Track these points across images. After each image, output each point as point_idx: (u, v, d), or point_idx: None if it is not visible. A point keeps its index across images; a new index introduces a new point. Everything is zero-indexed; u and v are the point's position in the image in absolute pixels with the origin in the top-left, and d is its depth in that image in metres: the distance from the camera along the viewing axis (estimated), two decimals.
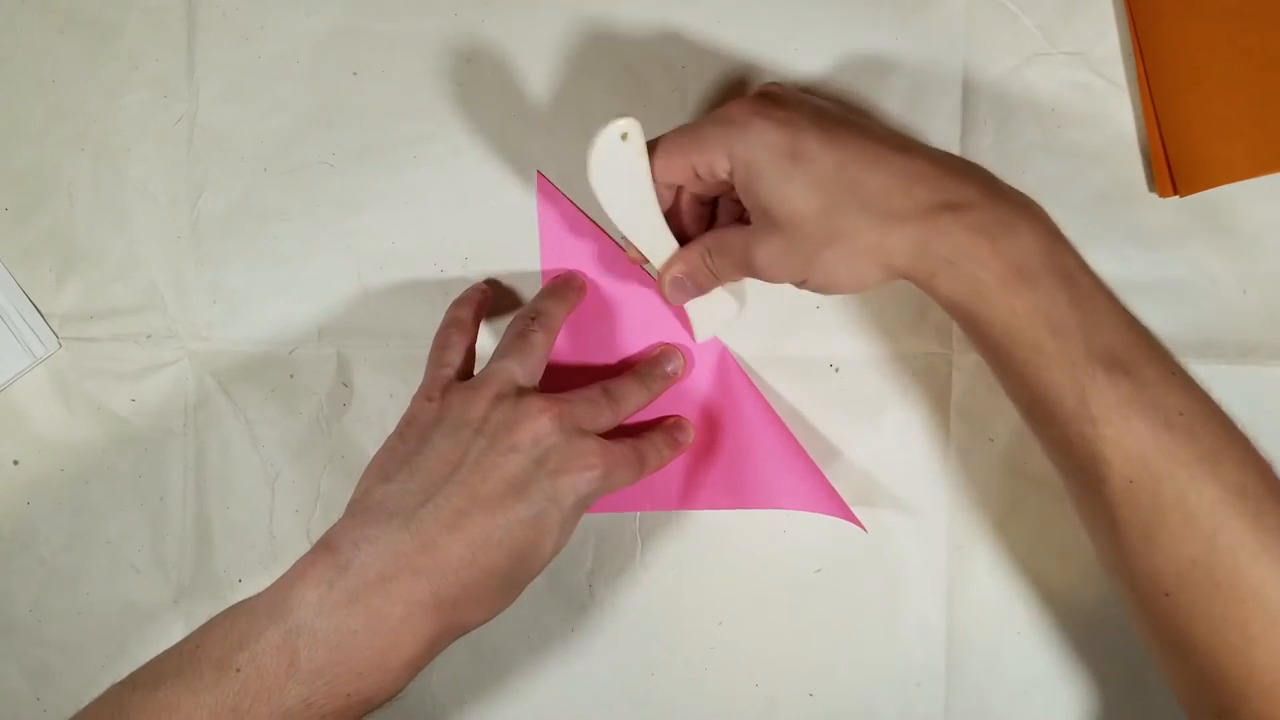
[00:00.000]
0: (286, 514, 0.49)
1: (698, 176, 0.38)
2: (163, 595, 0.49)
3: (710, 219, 0.42)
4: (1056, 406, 0.34)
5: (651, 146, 0.38)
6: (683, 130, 0.38)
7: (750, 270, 0.38)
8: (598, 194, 0.38)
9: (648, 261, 0.42)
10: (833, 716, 0.47)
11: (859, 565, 0.46)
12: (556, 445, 0.38)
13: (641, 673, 0.48)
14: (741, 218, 0.41)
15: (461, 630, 0.37)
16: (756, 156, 0.35)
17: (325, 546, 0.37)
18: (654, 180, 0.38)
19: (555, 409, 0.39)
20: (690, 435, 0.45)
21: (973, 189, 0.35)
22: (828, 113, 0.36)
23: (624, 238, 0.41)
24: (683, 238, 0.41)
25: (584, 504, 0.39)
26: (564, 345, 0.46)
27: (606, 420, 0.41)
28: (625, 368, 0.46)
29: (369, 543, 0.36)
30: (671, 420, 0.46)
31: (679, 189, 0.40)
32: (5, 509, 0.50)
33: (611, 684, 0.48)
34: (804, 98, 0.37)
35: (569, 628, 0.48)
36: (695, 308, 0.44)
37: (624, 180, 0.38)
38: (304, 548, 0.48)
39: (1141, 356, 0.34)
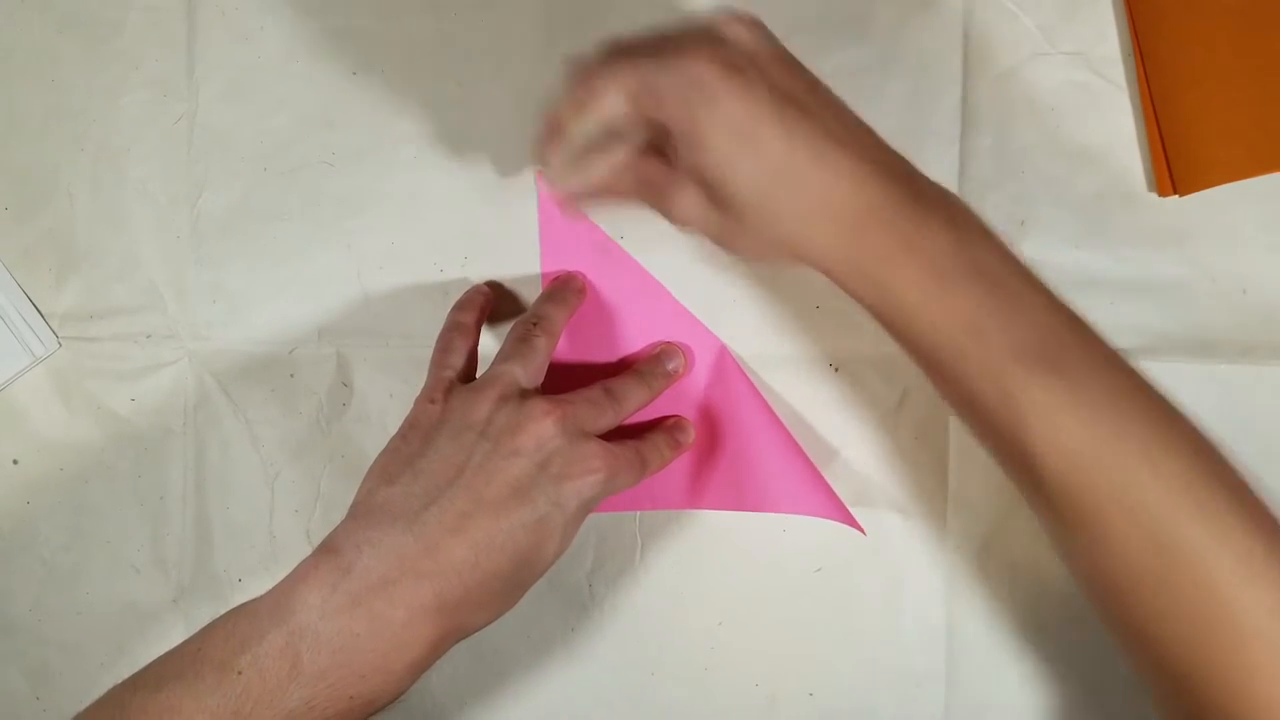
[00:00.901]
0: (286, 514, 0.49)
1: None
2: (163, 595, 0.49)
3: None
4: (983, 409, 0.33)
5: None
6: (630, 64, 0.35)
7: (662, 210, 0.37)
8: None
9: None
10: (833, 716, 0.47)
11: (859, 565, 0.46)
12: (560, 449, 0.38)
13: (641, 673, 0.48)
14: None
15: (464, 633, 0.37)
16: (709, 127, 0.34)
17: (328, 549, 0.36)
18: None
19: (558, 412, 0.38)
20: (690, 435, 0.45)
21: (895, 190, 0.34)
22: (786, 92, 0.34)
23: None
24: None
25: (587, 507, 0.39)
26: (563, 345, 0.46)
27: (608, 421, 0.41)
28: (625, 366, 0.46)
29: (372, 545, 0.36)
30: (672, 420, 0.46)
31: None
32: (5, 509, 0.50)
33: (611, 684, 0.48)
34: (766, 62, 0.35)
35: (569, 628, 0.48)
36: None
37: None
38: (304, 548, 0.48)
39: (1069, 351, 0.33)
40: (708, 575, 0.47)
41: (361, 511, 0.38)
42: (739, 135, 0.33)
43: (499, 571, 0.37)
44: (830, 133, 0.34)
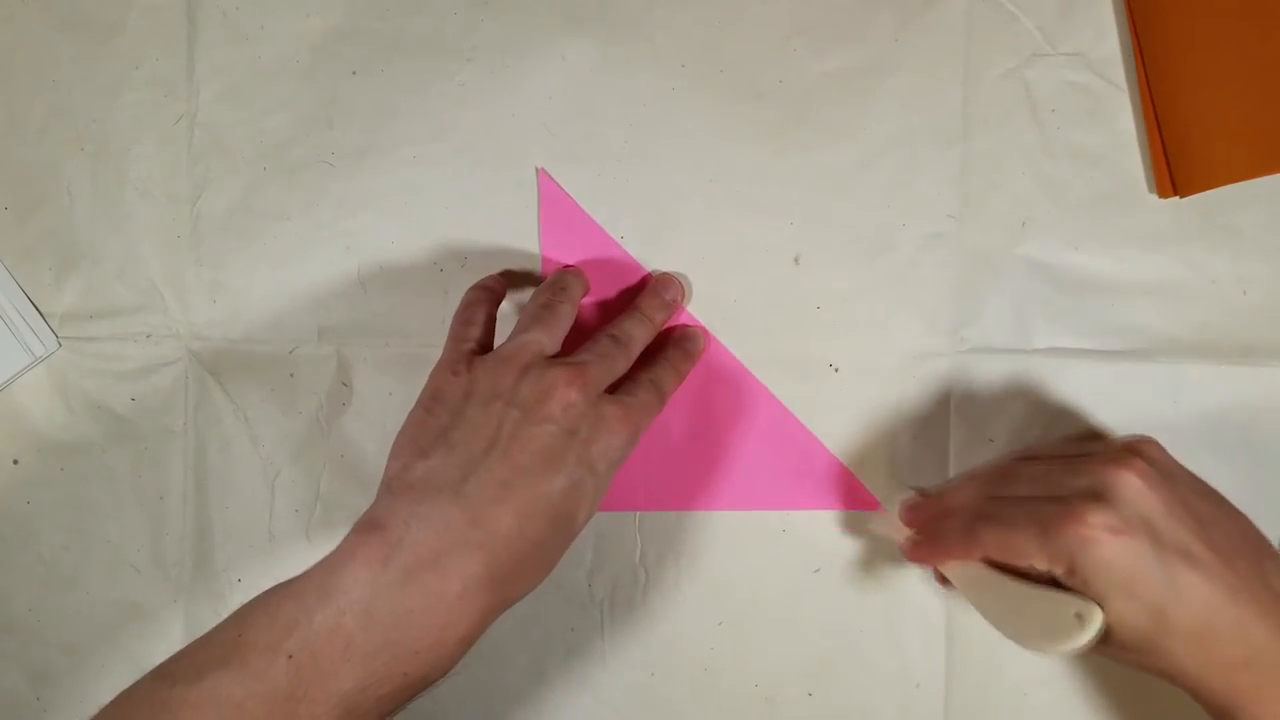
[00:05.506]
0: (286, 514, 0.49)
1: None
2: (163, 595, 0.49)
3: None
4: None
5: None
6: (1017, 525, 0.38)
7: None
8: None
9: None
10: (833, 716, 0.47)
11: (859, 565, 0.46)
12: (585, 414, 0.38)
13: (641, 673, 0.48)
14: None
15: (509, 603, 0.37)
16: (1092, 578, 0.36)
17: (373, 525, 0.36)
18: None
19: (582, 378, 0.39)
20: (701, 342, 0.45)
21: (1275, 639, 0.35)
22: (1175, 546, 0.36)
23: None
24: None
25: (615, 467, 0.39)
26: (564, 345, 0.46)
27: (621, 368, 0.41)
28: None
29: (420, 520, 0.36)
30: (679, 331, 0.45)
31: None
32: (5, 509, 0.50)
33: (611, 684, 0.48)
34: (1156, 517, 0.36)
35: (569, 627, 0.48)
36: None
37: None
38: (304, 548, 0.48)
39: None
40: (708, 575, 0.47)
41: (400, 487, 0.37)
42: (1121, 586, 0.35)
43: (540, 538, 0.37)
44: (1214, 576, 0.36)
